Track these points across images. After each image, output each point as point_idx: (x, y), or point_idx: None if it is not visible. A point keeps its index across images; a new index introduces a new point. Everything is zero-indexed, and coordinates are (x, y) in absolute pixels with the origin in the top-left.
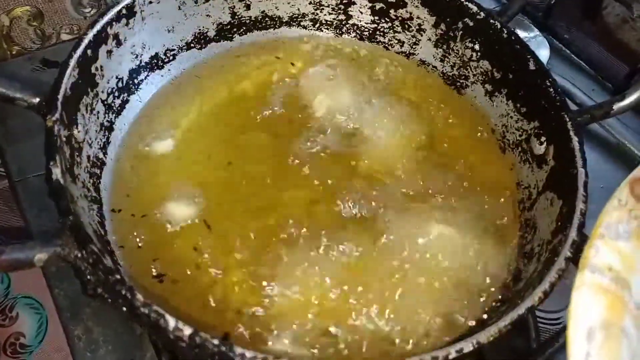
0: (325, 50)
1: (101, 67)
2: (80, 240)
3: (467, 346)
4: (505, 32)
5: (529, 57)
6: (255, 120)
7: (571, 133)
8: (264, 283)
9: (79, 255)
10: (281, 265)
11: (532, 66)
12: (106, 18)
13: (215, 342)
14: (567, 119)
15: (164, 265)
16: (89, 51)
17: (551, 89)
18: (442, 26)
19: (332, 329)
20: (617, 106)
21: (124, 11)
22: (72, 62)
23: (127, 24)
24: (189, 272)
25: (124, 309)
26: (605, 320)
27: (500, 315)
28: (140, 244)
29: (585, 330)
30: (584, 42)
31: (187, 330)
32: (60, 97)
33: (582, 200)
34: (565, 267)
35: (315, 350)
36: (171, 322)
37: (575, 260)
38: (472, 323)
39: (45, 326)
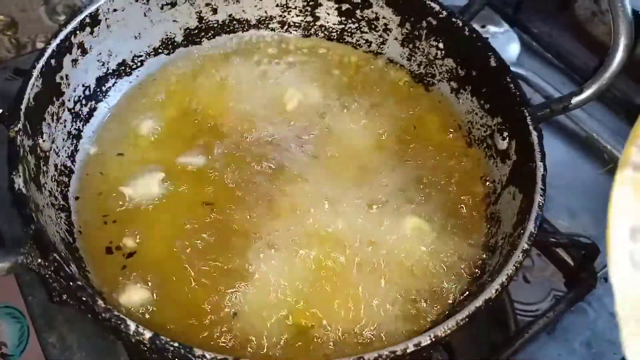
0: (294, 51)
1: (66, 76)
2: (42, 248)
3: (425, 340)
4: (467, 29)
5: (489, 53)
6: (225, 120)
7: (530, 128)
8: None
9: (42, 263)
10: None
11: (493, 63)
12: (69, 27)
13: (175, 344)
14: (527, 114)
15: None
16: (52, 61)
17: (511, 85)
18: (407, 25)
19: (299, 322)
20: (575, 100)
21: (87, 20)
22: (35, 73)
23: (91, 32)
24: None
25: (88, 314)
26: None
27: (461, 308)
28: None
29: (628, 229)
30: (554, 36)
31: (148, 334)
32: (23, 107)
33: (540, 194)
34: (522, 259)
35: (283, 344)
36: (132, 326)
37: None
38: (439, 317)
39: (27, 335)
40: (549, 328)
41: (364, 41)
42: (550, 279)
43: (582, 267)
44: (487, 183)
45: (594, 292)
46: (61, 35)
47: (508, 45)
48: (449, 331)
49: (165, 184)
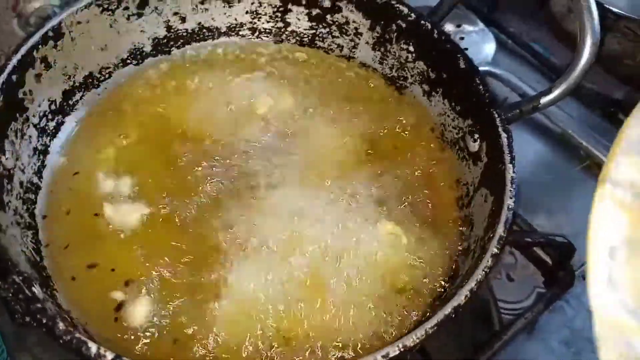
0: (266, 57)
1: (30, 91)
2: (0, 271)
3: (393, 350)
4: (436, 32)
5: (459, 56)
6: (197, 129)
7: (500, 129)
8: None
9: (1, 285)
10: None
11: (462, 65)
12: (30, 42)
13: None
14: (496, 116)
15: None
16: (13, 77)
17: (480, 87)
18: (378, 29)
19: (274, 333)
20: (544, 99)
21: (50, 33)
22: None
23: (55, 46)
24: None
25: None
26: (628, 237)
27: (431, 315)
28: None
29: (607, 247)
30: (530, 34)
31: (109, 356)
32: None
33: (510, 196)
34: (492, 265)
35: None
36: (93, 348)
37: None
38: (413, 322)
39: (6, 353)
40: (529, 328)
41: (335, 46)
42: (533, 277)
43: (559, 266)
44: (461, 185)
45: (572, 291)
46: (22, 51)
47: (484, 44)
48: (417, 340)
49: (141, 201)
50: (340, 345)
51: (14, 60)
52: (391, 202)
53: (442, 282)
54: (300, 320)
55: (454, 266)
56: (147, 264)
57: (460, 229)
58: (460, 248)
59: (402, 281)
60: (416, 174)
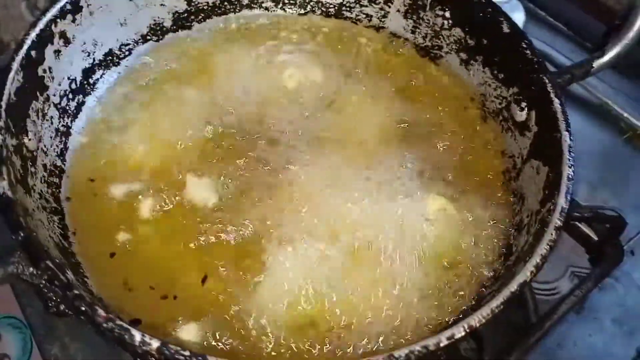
0: (291, 30)
1: (49, 68)
2: (32, 256)
3: (459, 331)
4: None
5: (501, 19)
6: (222, 106)
7: (552, 96)
8: None
9: (34, 272)
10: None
11: (505, 29)
12: (48, 15)
13: (186, 353)
14: (547, 82)
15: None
16: (33, 52)
17: (528, 51)
18: None
19: (318, 320)
20: (597, 63)
21: (68, 7)
22: (15, 66)
23: (73, 20)
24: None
25: (89, 325)
26: None
27: (492, 293)
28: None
29: None
30: (560, 3)
31: (155, 344)
32: (3, 103)
33: (569, 165)
34: (556, 238)
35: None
36: (137, 336)
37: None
38: (467, 303)
39: (31, 345)
40: (578, 307)
41: (364, 15)
42: (567, 256)
43: (606, 241)
44: (506, 157)
45: (621, 267)
46: (40, 24)
47: (512, 14)
48: (483, 320)
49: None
50: (388, 331)
51: (33, 35)
52: (434, 177)
53: (495, 259)
54: (345, 306)
55: (506, 243)
56: (184, 249)
57: (509, 203)
58: (511, 223)
59: (453, 259)
60: (457, 148)
